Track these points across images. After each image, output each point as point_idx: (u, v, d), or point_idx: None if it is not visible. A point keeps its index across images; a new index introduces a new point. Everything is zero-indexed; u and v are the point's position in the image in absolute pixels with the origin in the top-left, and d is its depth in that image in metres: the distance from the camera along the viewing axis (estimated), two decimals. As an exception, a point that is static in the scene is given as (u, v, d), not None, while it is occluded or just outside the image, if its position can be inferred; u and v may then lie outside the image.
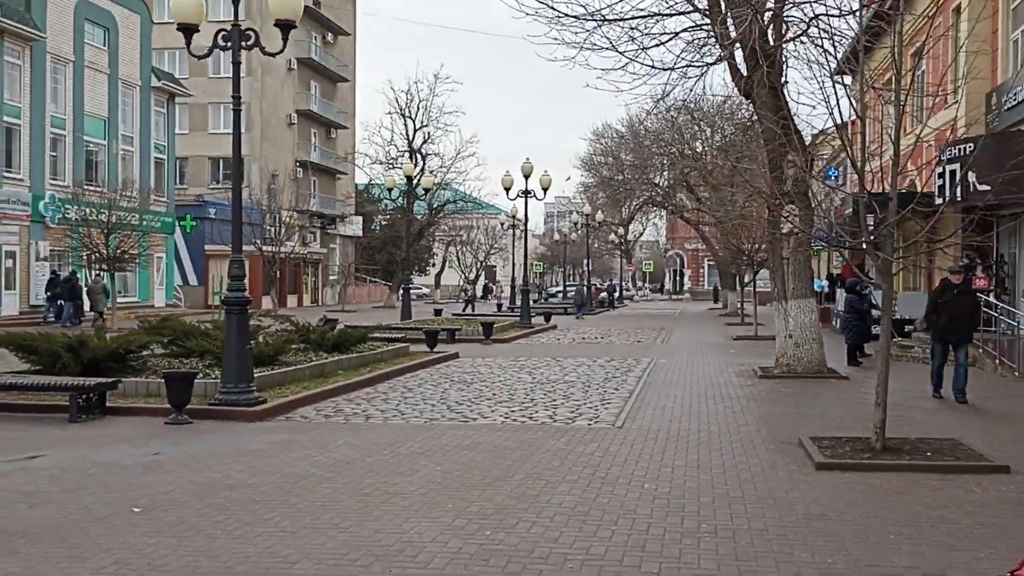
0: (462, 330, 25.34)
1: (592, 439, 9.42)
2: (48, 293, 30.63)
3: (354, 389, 13.65)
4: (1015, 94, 18.49)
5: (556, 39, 15.93)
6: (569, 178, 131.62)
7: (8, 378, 11.72)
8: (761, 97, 15.14)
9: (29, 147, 32.22)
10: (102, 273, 28.86)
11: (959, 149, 18.61)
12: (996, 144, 17.21)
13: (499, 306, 47.42)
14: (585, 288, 48.94)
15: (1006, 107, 18.86)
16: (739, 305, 38.32)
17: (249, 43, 11.11)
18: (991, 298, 18.92)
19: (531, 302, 32.88)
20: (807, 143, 15.99)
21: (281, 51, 11.21)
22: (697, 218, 53.38)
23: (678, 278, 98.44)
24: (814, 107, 21.05)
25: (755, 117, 15.51)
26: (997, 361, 15.56)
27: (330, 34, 60.73)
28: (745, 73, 15.49)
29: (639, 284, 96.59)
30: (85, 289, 29.95)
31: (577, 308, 42.62)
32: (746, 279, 35.10)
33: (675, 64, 14.95)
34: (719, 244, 47.86)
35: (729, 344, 23.97)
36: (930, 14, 21.64)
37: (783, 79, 15.45)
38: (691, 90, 15.44)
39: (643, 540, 5.74)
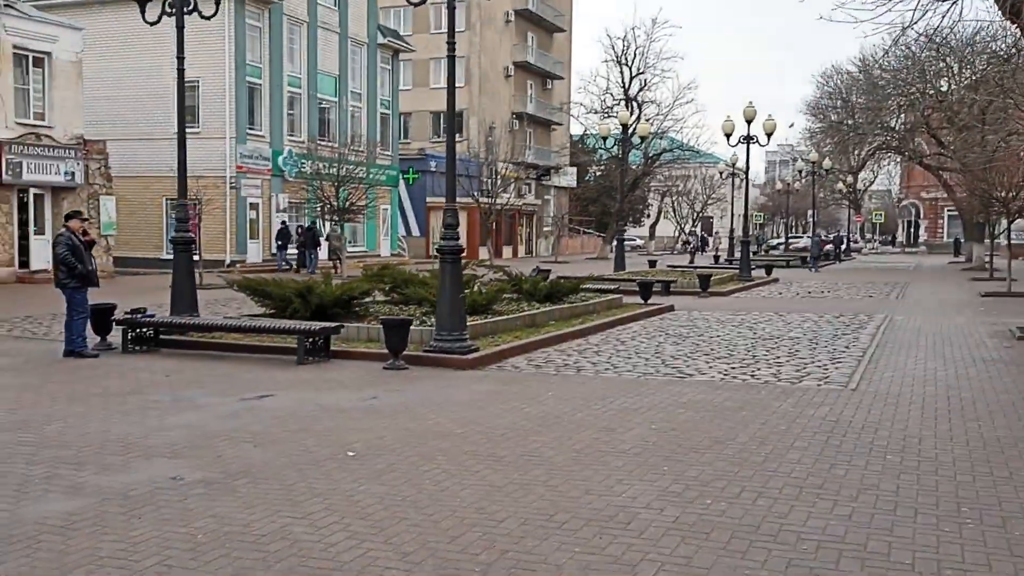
0: (677, 282, 24.55)
1: (822, 401, 8.59)
2: (280, 243, 32.77)
3: (565, 340, 13.42)
4: None
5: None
6: (792, 124, 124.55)
7: (245, 321, 12.45)
8: (1031, 18, 13.17)
9: (269, 105, 34.44)
10: (338, 224, 30.47)
11: None
12: None
13: (716, 258, 45.83)
14: (820, 239, 46.40)
15: None
16: (987, 259, 34.66)
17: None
18: None
19: (751, 254, 31.36)
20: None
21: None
22: (939, 163, 48.91)
23: (912, 229, 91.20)
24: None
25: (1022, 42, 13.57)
26: None
27: (547, -17, 60.45)
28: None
29: (868, 236, 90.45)
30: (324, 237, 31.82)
31: (813, 260, 40.78)
32: (996, 230, 31.61)
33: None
34: (965, 192, 43.55)
35: (977, 301, 21.65)
36: None
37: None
38: (944, 15, 13.62)
39: (890, 522, 5.02)
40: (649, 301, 19.44)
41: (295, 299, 12.94)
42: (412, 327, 12.22)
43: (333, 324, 11.58)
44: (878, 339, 13.55)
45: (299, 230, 32.77)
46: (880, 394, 8.97)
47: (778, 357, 11.72)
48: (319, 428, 7.42)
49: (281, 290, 13.14)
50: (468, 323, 12.49)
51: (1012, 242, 33.40)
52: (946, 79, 45.83)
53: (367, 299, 14.55)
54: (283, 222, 33.72)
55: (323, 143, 32.97)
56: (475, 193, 42.07)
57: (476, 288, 16.01)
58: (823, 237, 59.06)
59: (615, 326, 15.54)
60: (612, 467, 6.21)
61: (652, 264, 35.14)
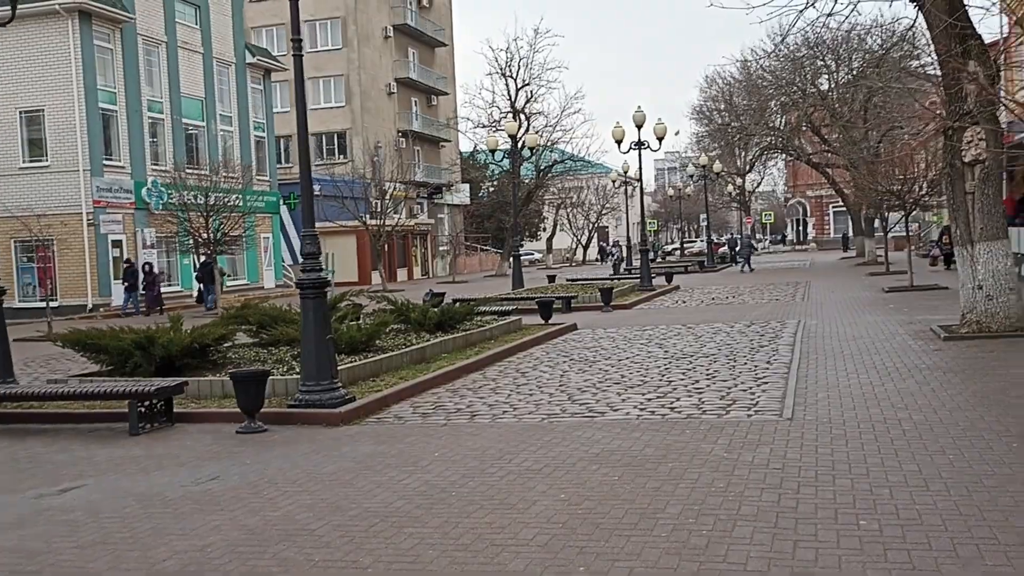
0: (578, 297, 23.29)
1: (758, 439, 7.22)
2: (126, 283, 29.13)
3: (459, 376, 11.81)
4: None
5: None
6: (678, 132, 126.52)
7: (72, 385, 10.36)
8: (930, -2, 12.31)
9: (128, 133, 31.73)
10: (211, 257, 28.03)
11: None
12: None
13: (616, 268, 45.06)
14: (750, 239, 46.53)
15: None
16: (879, 253, 34.82)
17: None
18: None
19: (649, 262, 30.42)
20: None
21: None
22: (824, 161, 49.55)
23: (801, 228, 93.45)
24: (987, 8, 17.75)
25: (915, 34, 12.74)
26: None
27: (425, -2, 59.09)
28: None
29: (759, 236, 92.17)
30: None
31: (744, 260, 40.78)
32: (891, 224, 31.61)
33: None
34: (852, 188, 44.06)
35: (882, 298, 21.06)
36: None
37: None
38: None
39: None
40: (550, 320, 18.07)
41: (135, 351, 10.94)
42: (278, 376, 10.47)
43: (175, 381, 9.63)
44: (799, 350, 12.42)
45: (145, 267, 29.40)
46: (821, 423, 7.67)
47: (697, 381, 10.38)
48: (121, 537, 5.58)
49: (117, 342, 11.09)
50: (343, 366, 10.82)
51: (899, 235, 33.62)
52: (825, 77, 46.47)
53: (227, 344, 12.62)
54: (128, 260, 29.93)
55: (192, 171, 30.49)
56: (363, 215, 40.16)
57: (357, 322, 14.29)
58: (716, 240, 59.30)
59: (515, 353, 14.03)
60: (510, 572, 4.61)
61: (551, 279, 33.91)
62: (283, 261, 42.88)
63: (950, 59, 12.47)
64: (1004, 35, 27.79)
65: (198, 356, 11.50)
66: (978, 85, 12.36)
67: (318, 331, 9.34)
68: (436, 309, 15.74)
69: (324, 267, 34.53)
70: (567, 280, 33.64)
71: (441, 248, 56.33)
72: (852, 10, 12.56)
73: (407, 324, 15.10)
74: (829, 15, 13.73)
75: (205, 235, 27.00)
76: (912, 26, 13.35)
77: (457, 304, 18.95)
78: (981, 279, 12.47)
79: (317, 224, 35.07)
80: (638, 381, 10.60)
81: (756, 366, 11.27)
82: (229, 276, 33.74)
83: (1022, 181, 26.72)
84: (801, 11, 12.73)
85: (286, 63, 44.61)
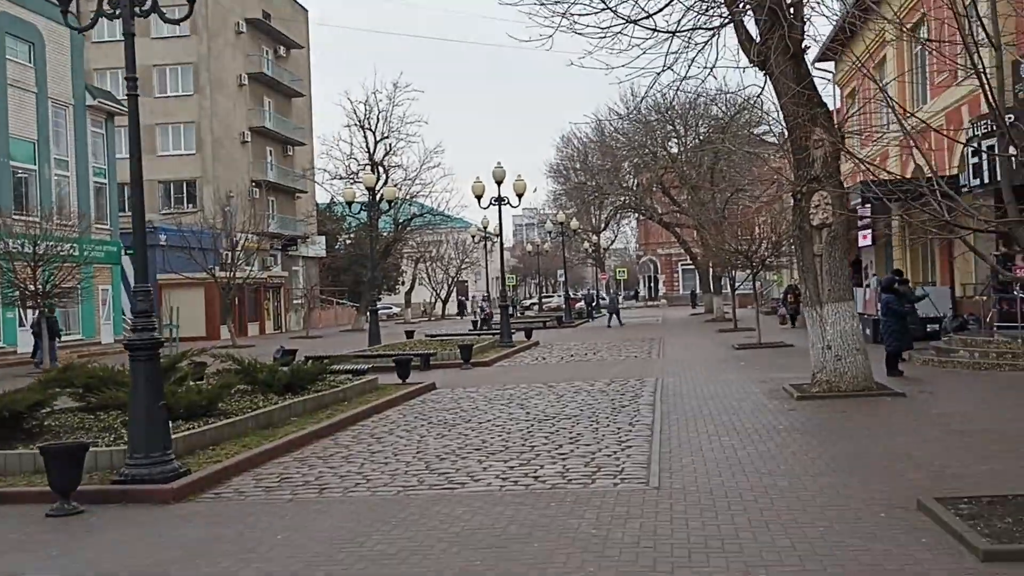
0: (437, 354, 22.71)
1: (627, 512, 6.86)
2: None
3: (309, 442, 11.00)
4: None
5: (532, 14, 13.47)
6: (536, 189, 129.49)
7: None
8: (780, 66, 12.74)
9: (-52, 176, 29.12)
10: (51, 310, 25.82)
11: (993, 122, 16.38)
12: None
13: (475, 323, 44.78)
14: (616, 295, 47.75)
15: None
16: (730, 310, 36.04)
17: (144, 7, 8.44)
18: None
19: (509, 318, 30.25)
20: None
21: (186, 18, 8.59)
22: (674, 220, 51.39)
23: (652, 284, 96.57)
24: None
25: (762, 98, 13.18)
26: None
27: (282, 48, 57.97)
28: (758, 37, 13.09)
29: (601, 296, 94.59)
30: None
31: (610, 315, 41.46)
32: (737, 282, 32.84)
33: (678, 28, 12.53)
34: (701, 247, 45.79)
35: (734, 355, 21.56)
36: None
37: (804, 44, 13.08)
38: (691, 62, 12.97)
39: None
40: (408, 380, 17.43)
41: (-68, 423, 9.61)
42: (102, 447, 9.41)
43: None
44: (660, 410, 12.30)
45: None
46: (689, 493, 7.40)
47: (560, 445, 10.01)
48: None
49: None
50: (179, 433, 9.88)
51: (744, 293, 34.95)
52: (675, 141, 48.45)
53: (45, 410, 11.34)
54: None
55: (19, 217, 28.20)
56: (212, 267, 38.32)
57: (199, 383, 13.25)
58: (573, 295, 60.20)
59: (370, 416, 13.31)
60: None
61: (410, 334, 33.17)
62: (123, 314, 40.27)
63: (798, 126, 12.90)
64: (838, 106, 29.49)
65: (8, 425, 10.23)
66: (824, 151, 12.82)
67: (149, 397, 8.42)
68: (286, 368, 14.83)
69: (168, 322, 32.29)
70: (426, 336, 33.00)
71: (295, 302, 54.58)
72: (708, 74, 12.82)
73: (254, 385, 14.12)
74: (685, 78, 14.01)
75: (33, 287, 24.89)
76: (760, 92, 13.72)
77: (309, 362, 18.07)
78: (830, 339, 12.78)
79: (162, 276, 33.22)
80: (500, 446, 10.14)
81: (619, 428, 11.03)
82: (64, 330, 31.22)
83: (853, 245, 28.32)
84: (658, 74, 12.92)
85: (131, 107, 42.55)
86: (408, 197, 51.35)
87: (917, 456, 8.43)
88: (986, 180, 16.40)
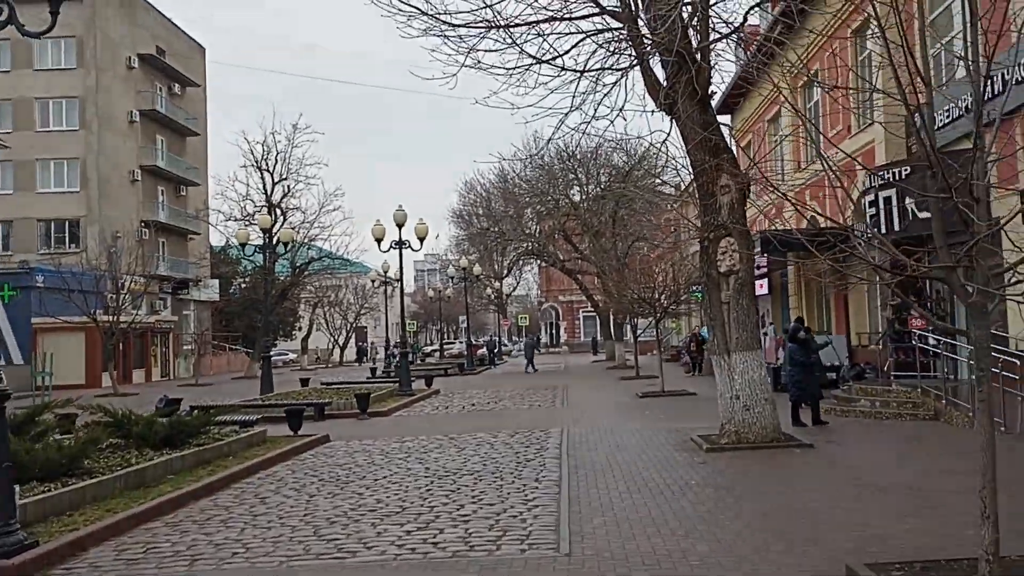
0: (332, 403, 21.66)
1: (537, 584, 6.21)
2: None
3: (185, 504, 9.98)
4: (945, 113, 16.72)
5: (435, 49, 13.01)
6: (439, 235, 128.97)
7: None
8: (687, 110, 12.58)
9: None
10: None
11: (892, 173, 16.69)
12: (922, 169, 15.31)
13: (373, 370, 43.58)
14: (534, 340, 47.90)
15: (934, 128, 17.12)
16: (632, 357, 36.05)
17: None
18: (930, 340, 16.97)
19: (409, 365, 29.35)
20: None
21: (47, 31, 7.69)
22: (577, 267, 51.61)
23: (554, 331, 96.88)
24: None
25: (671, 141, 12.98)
26: (971, 414, 13.25)
27: (177, 85, 56.14)
28: (665, 82, 12.92)
29: (515, 339, 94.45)
30: None
31: (528, 362, 41.70)
32: (639, 329, 32.88)
33: (586, 67, 12.24)
34: (602, 294, 45.99)
35: (638, 403, 21.25)
36: (827, 34, 19.90)
37: (710, 89, 12.98)
38: (599, 104, 12.71)
39: None
40: (300, 431, 16.43)
41: None
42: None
43: None
44: (566, 464, 11.71)
45: None
46: (604, 560, 6.80)
47: (462, 505, 9.29)
48: None
49: None
50: (31, 498, 8.80)
51: (642, 339, 35.01)
52: (577, 188, 48.85)
53: None
54: None
55: None
56: (94, 310, 36.17)
57: (65, 437, 12.02)
58: (474, 342, 59.54)
59: (256, 472, 12.32)
60: None
61: (305, 382, 31.87)
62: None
63: (704, 171, 12.74)
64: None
65: None
66: (731, 198, 12.67)
67: (-9, 458, 7.35)
68: (165, 420, 13.66)
69: (41, 369, 30.03)
70: (322, 383, 31.77)
71: (185, 347, 52.17)
72: (617, 115, 12.55)
73: (128, 439, 12.92)
74: (594, 118, 13.64)
75: None
76: (666, 138, 13.53)
77: (194, 413, 16.87)
78: (738, 388, 12.50)
79: (38, 320, 31.04)
80: (396, 507, 9.35)
81: (525, 484, 10.38)
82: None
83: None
84: (566, 114, 12.58)
85: (12, 141, 40.28)
86: (306, 240, 50.00)
87: (836, 514, 8.06)
88: (883, 230, 16.63)
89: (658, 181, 47.47)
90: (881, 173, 16.80)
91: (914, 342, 17.33)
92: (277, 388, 28.87)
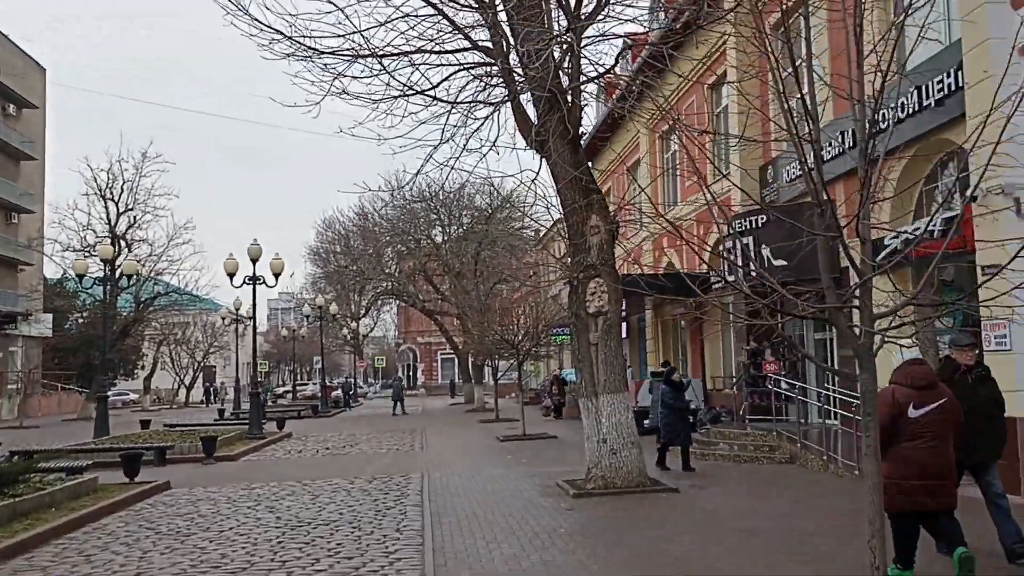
0: (175, 447, 20.20)
1: (401, 649, 5.62)
2: None
3: (-6, 565, 8.77)
4: (794, 167, 17.37)
5: (297, 74, 12.43)
6: (293, 274, 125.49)
7: None
8: (558, 150, 12.45)
9: None
10: None
11: (748, 222, 17.17)
12: (780, 217, 15.81)
13: (221, 412, 41.39)
14: (400, 381, 46.93)
15: (786, 180, 17.76)
16: (491, 400, 35.75)
17: None
18: (783, 384, 17.45)
19: (260, 407, 27.90)
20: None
21: None
22: (437, 308, 51.14)
23: (411, 373, 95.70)
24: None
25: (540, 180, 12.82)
26: (825, 457, 13.56)
27: (12, 106, 52.46)
28: (536, 120, 12.77)
29: (371, 381, 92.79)
30: None
31: (395, 403, 41.13)
32: (500, 372, 32.63)
33: (458, 99, 11.93)
34: (462, 335, 45.63)
35: (500, 447, 20.85)
36: (683, 90, 20.62)
37: (580, 130, 12.92)
38: (470, 136, 12.44)
39: None
40: (137, 478, 15.08)
41: None
42: None
43: None
44: (429, 511, 11.12)
45: None
46: (474, 618, 6.29)
47: (316, 559, 8.56)
48: None
49: None
50: None
51: (501, 382, 34.79)
52: (439, 229, 48.58)
53: None
54: None
55: None
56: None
57: None
58: (329, 383, 57.79)
59: (83, 525, 11.11)
60: None
61: (145, 424, 29.78)
62: None
63: (574, 211, 12.61)
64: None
65: None
66: (600, 238, 12.57)
67: None
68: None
69: None
70: (164, 425, 29.77)
71: (10, 387, 48.10)
72: (489, 150, 12.27)
73: (-69, 490, 11.41)
74: (465, 149, 13.26)
75: None
76: (535, 177, 13.32)
77: (14, 459, 15.28)
78: (606, 432, 12.30)
79: None
80: (243, 562, 8.52)
81: (385, 536, 9.73)
82: None
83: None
84: (435, 147, 12.19)
85: None
86: (152, 274, 47.32)
87: (710, 562, 7.86)
88: (740, 277, 17.02)
89: (519, 226, 47.96)
90: (739, 220, 17.28)
91: (769, 386, 17.77)
92: (114, 430, 26.90)
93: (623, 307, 12.74)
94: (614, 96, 15.57)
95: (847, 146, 15.04)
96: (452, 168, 13.10)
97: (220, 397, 67.76)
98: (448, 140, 12.20)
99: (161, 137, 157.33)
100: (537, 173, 13.59)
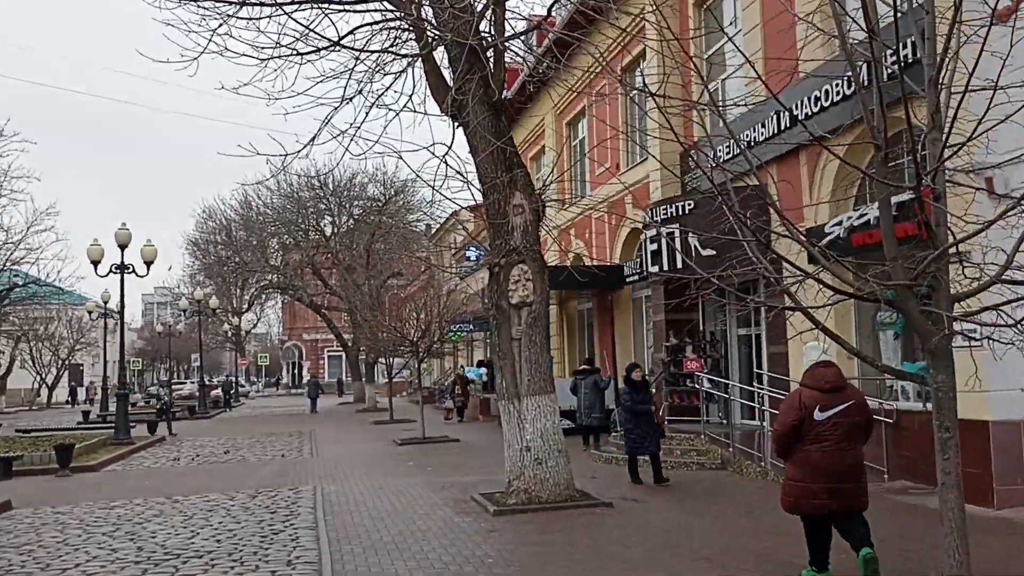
0: (23, 458, 17.63)
1: None
2: None
3: None
4: (724, 149, 16.27)
5: (169, 23, 10.43)
6: (171, 267, 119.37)
7: None
8: (477, 115, 10.87)
9: None
10: None
11: (673, 208, 16.00)
12: (706, 204, 14.71)
13: (86, 415, 37.94)
14: (315, 379, 44.89)
15: (712, 164, 16.61)
16: (384, 400, 33.83)
17: None
18: (706, 383, 16.38)
19: (128, 408, 25.20)
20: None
21: None
22: (326, 303, 48.74)
23: (297, 371, 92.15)
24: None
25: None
26: (764, 464, 12.45)
27: None
28: (452, 83, 11.15)
29: (253, 379, 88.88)
30: None
31: (312, 402, 40.61)
32: (396, 370, 30.73)
33: (366, 47, 10.20)
34: (352, 331, 43.39)
35: (398, 452, 19.12)
36: (594, 71, 19.11)
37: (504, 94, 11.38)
38: (379, 96, 10.74)
39: None
40: (-32, 498, 12.71)
41: None
42: None
43: None
44: (325, 536, 9.35)
45: None
46: None
47: (186, 609, 6.74)
48: None
49: None
50: None
51: (393, 380, 32.88)
52: (329, 220, 46.19)
53: None
54: None
55: None
56: None
57: None
58: (208, 382, 54.40)
59: None
60: None
61: (-8, 430, 26.64)
62: None
63: (496, 188, 11.08)
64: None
65: None
66: (525, 220, 11.08)
67: None
68: None
69: None
70: (16, 431, 26.71)
71: None
72: (402, 108, 10.56)
73: None
74: (372, 108, 11.49)
75: None
76: (449, 148, 11.62)
77: None
78: (529, 439, 10.81)
79: None
80: (88, 617, 6.61)
81: (274, 570, 7.96)
82: None
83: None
84: (336, 108, 10.39)
85: None
86: (7, 263, 43.12)
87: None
88: (665, 267, 15.86)
89: (414, 217, 46.05)
90: (664, 207, 16.11)
91: (691, 385, 16.69)
92: (-44, 438, 23.79)
93: (547, 297, 11.21)
94: (536, 53, 14.12)
95: (783, 126, 14.03)
96: (353, 137, 11.27)
97: (89, 398, 63.08)
98: (350, 100, 10.44)
99: (20, 116, 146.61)
100: (450, 145, 11.92)
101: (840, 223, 12.20)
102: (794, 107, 13.54)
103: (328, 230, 45.91)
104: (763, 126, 14.51)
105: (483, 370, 29.80)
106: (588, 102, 23.24)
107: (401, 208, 44.79)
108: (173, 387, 61.86)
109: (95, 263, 24.17)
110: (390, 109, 10.51)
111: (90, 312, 47.80)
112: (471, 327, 34.82)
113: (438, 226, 47.21)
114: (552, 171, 20.67)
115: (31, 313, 52.94)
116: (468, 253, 39.58)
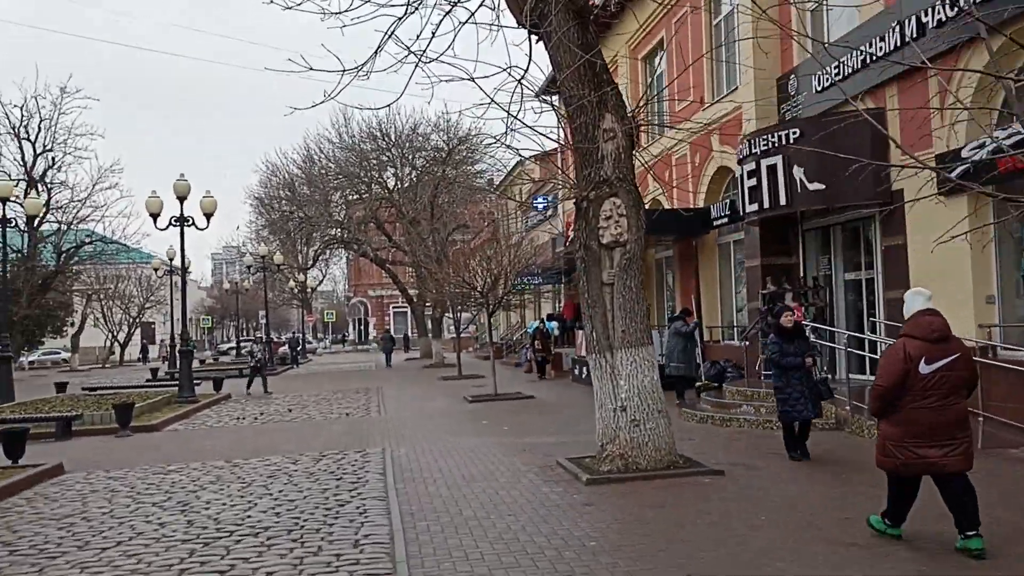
0: (83, 417, 16.98)
1: None
2: None
3: None
4: (822, 74, 14.42)
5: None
6: (239, 227, 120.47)
7: None
8: (562, 26, 9.37)
9: None
10: None
11: (775, 137, 14.27)
12: (815, 130, 12.96)
13: (155, 372, 37.84)
14: (389, 334, 45.32)
15: (817, 89, 14.75)
16: (452, 355, 32.81)
17: None
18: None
19: (193, 366, 24.61)
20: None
21: None
22: (391, 258, 47.87)
23: (363, 327, 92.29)
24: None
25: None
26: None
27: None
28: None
29: (320, 336, 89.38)
30: None
31: (386, 356, 41.35)
32: (463, 325, 29.64)
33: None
34: (418, 286, 42.48)
35: (470, 410, 17.98)
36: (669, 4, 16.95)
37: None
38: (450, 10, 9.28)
39: None
40: (21, 461, 11.95)
41: None
42: None
43: None
44: (397, 510, 8.17)
45: None
46: None
47: (234, 606, 5.60)
48: None
49: None
50: None
51: (463, 336, 31.71)
52: (392, 171, 45.06)
53: None
54: None
55: None
56: None
57: None
58: (276, 339, 54.27)
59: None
60: None
61: (62, 387, 26.34)
62: None
63: (583, 110, 9.59)
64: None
65: None
66: (617, 145, 9.59)
67: None
68: None
69: None
70: (83, 389, 26.37)
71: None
72: (469, 19, 9.10)
73: None
74: (439, 25, 10.10)
75: None
76: (524, 75, 10.13)
77: None
78: (625, 398, 9.43)
79: None
80: (119, 614, 5.52)
81: (339, 553, 6.79)
82: None
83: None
84: (400, 19, 9.00)
85: None
86: (75, 221, 43.21)
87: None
88: (766, 205, 14.23)
89: (479, 168, 44.65)
90: (764, 137, 14.40)
91: (766, 342, 15.08)
92: (29, 394, 23.61)
93: (641, 237, 9.72)
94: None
95: (908, 35, 12.14)
96: (420, 60, 9.83)
97: (163, 356, 63.74)
98: (416, 9, 9.01)
99: (83, 73, 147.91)
100: (527, 69, 10.42)
101: (983, 145, 10.45)
102: (922, 14, 11.71)
103: (391, 183, 44.82)
104: (882, 39, 12.66)
105: (554, 323, 28.40)
106: (668, 31, 21.40)
107: (466, 159, 43.40)
108: (242, 343, 62.09)
109: (154, 216, 23.39)
110: (463, 17, 9.02)
111: (156, 269, 47.73)
112: (538, 280, 33.42)
113: (503, 176, 45.73)
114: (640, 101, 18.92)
115: (101, 272, 53.33)
116: (535, 203, 38.11)
